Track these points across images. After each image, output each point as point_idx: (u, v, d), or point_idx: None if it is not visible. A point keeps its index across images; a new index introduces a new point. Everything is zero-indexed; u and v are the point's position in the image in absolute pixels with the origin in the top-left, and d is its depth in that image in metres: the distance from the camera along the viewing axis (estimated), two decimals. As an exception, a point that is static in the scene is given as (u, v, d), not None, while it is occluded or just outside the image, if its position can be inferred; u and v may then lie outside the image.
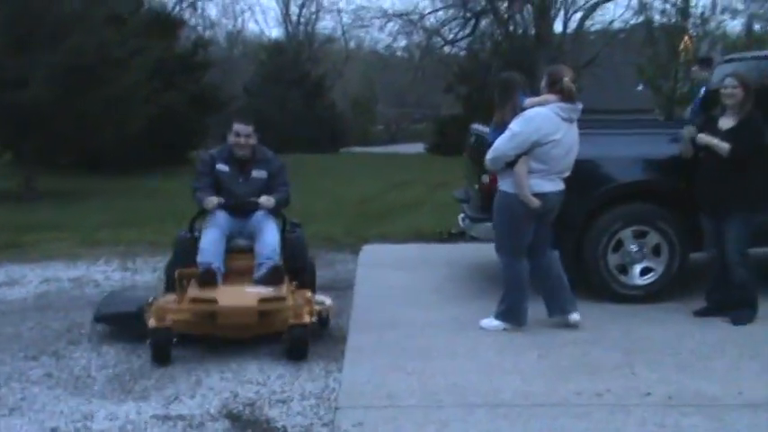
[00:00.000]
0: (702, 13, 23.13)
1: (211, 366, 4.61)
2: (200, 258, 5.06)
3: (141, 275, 7.00)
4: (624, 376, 4.30)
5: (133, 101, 13.22)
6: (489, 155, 5.08)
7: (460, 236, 6.91)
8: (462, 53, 25.60)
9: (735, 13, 26.09)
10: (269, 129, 30.10)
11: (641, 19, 23.30)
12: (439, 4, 22.22)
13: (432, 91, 34.76)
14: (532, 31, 22.61)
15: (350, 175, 16.59)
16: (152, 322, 4.65)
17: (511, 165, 4.98)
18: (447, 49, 24.07)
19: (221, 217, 5.24)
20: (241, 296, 4.78)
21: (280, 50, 32.44)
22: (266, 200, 5.32)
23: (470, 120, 24.75)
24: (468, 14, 21.92)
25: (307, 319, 4.73)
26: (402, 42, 24.48)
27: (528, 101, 5.11)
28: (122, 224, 9.51)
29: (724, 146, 5.02)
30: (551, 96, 4.99)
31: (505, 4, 21.78)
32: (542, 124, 4.91)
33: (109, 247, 8.25)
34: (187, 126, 19.10)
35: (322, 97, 32.85)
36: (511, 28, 22.39)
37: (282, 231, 5.44)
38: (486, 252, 7.42)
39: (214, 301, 4.68)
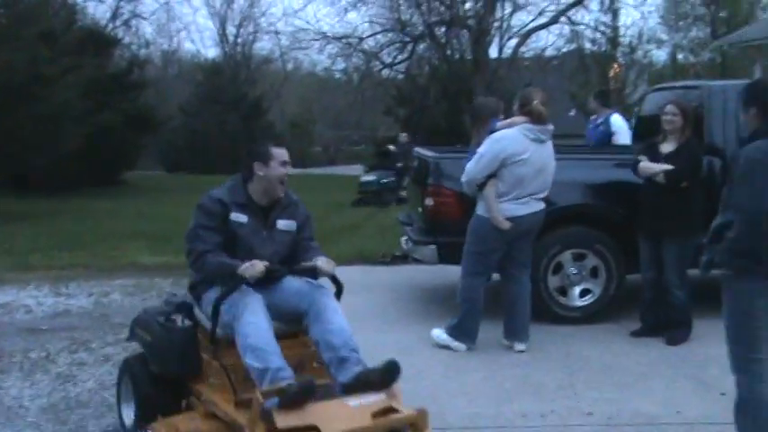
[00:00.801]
0: (630, 43, 23.99)
1: (151, 393, 4.49)
2: (256, 362, 3.25)
3: (76, 300, 6.79)
4: (567, 397, 4.37)
5: (65, 120, 12.88)
6: (463, 178, 5.21)
7: (403, 259, 6.94)
8: (400, 76, 25.85)
9: (660, 43, 27.20)
10: (206, 150, 29.92)
11: (573, 47, 23.98)
12: (377, 28, 22.42)
13: (370, 113, 34.99)
14: (469, 56, 23.01)
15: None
16: None
17: (481, 188, 5.09)
18: (386, 72, 24.24)
19: (254, 293, 3.46)
20: (349, 415, 3.09)
21: (217, 71, 32.16)
22: (326, 263, 3.72)
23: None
24: (407, 39, 22.17)
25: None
26: (341, 65, 24.54)
27: (499, 124, 5.23)
28: (54, 247, 9.21)
29: (665, 167, 5.18)
30: (520, 118, 5.11)
31: (443, 29, 22.11)
32: (508, 145, 5.01)
33: (41, 271, 7.99)
34: (122, 146, 18.73)
35: (260, 118, 32.68)
36: (448, 52, 22.71)
37: None
38: (429, 275, 7.51)
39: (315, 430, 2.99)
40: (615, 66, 24.20)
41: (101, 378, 4.76)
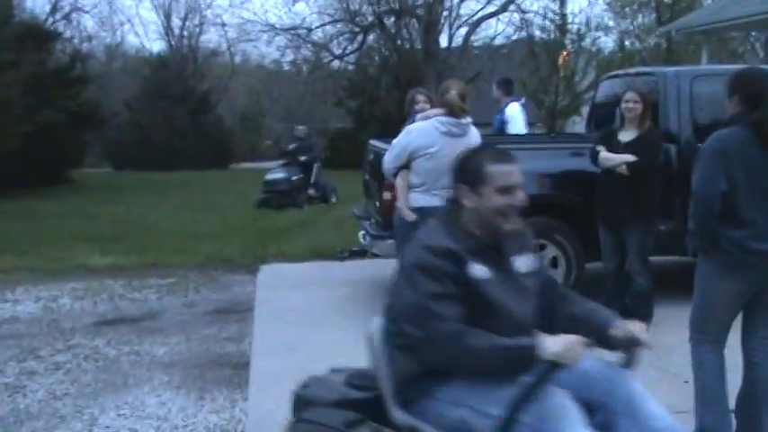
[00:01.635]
0: (578, 30, 24.22)
1: (105, 401, 4.33)
2: None
3: (23, 306, 6.53)
4: (532, 390, 4.32)
5: (6, 118, 12.42)
6: (382, 169, 5.23)
7: (361, 254, 6.85)
8: (350, 67, 25.69)
9: (606, 30, 27.54)
10: (153, 146, 29.31)
11: (523, 35, 24.12)
12: (326, 19, 22.20)
13: (320, 105, 34.73)
14: (419, 46, 22.95)
15: (241, 192, 16.20)
16: None
17: None
18: (336, 63, 24.06)
19: (564, 393, 2.32)
20: None
21: (163, 65, 31.52)
22: (641, 328, 2.61)
23: (360, 134, 24.58)
24: (356, 29, 22.00)
25: None
26: (290, 57, 24.26)
27: (419, 115, 5.19)
28: (-2, 250, 8.87)
29: (626, 158, 5.16)
30: (437, 110, 5.07)
31: (392, 19, 22.00)
32: (416, 138, 5.01)
33: (-17, 275, 7.68)
34: (65, 144, 18.18)
35: (208, 113, 32.13)
36: (398, 42, 22.62)
37: None
38: (383, 269, 7.41)
39: None
40: (564, 53, 24.42)
41: (51, 387, 4.57)
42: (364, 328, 5.45)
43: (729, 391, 3.52)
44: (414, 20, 21.59)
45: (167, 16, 39.13)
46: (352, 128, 27.19)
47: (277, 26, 22.46)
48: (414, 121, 5.25)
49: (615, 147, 5.27)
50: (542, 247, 5.81)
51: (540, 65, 23.78)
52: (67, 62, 19.59)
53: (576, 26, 24.13)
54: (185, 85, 31.59)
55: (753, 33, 24.09)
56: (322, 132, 41.26)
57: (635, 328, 2.54)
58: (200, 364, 4.98)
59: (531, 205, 5.72)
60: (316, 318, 5.99)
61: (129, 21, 55.34)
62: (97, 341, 5.47)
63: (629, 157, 5.16)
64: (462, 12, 23.49)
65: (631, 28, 29.22)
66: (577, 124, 25.78)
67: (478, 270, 2.44)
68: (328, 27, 22.19)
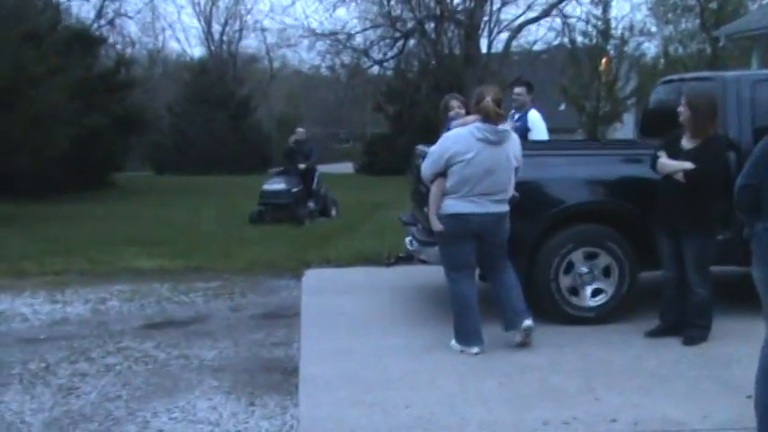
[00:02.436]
0: (622, 35, 23.93)
1: (158, 405, 4.33)
2: None
3: (73, 307, 6.59)
4: (588, 402, 4.23)
5: (54, 122, 12.63)
6: (422, 175, 5.22)
7: (408, 260, 6.80)
8: (389, 73, 25.70)
9: (649, 35, 27.18)
10: (194, 150, 29.64)
11: (564, 40, 23.88)
12: (367, 24, 22.23)
13: (357, 110, 34.78)
14: (457, 51, 22.87)
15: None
16: None
17: None
18: (375, 68, 24.09)
19: None
20: None
21: (204, 70, 31.88)
22: None
23: (398, 139, 24.63)
24: (397, 35, 21.99)
25: None
26: (330, 62, 24.35)
27: (455, 122, 5.14)
28: (47, 253, 8.99)
29: (685, 166, 5.04)
30: (472, 117, 5.02)
31: (433, 25, 21.96)
32: (453, 144, 4.97)
33: (34, 277, 7.78)
34: (110, 148, 18.46)
35: (248, 117, 32.43)
36: (439, 47, 22.56)
37: None
38: (431, 276, 7.36)
39: None
40: (604, 59, 24.13)
41: (104, 390, 4.58)
42: (413, 335, 5.42)
43: None
44: (454, 25, 21.50)
45: (208, 22, 39.67)
46: (389, 133, 27.22)
47: (318, 31, 22.53)
48: (449, 128, 5.18)
49: (677, 153, 5.13)
50: (595, 256, 5.70)
51: (581, 70, 23.57)
52: (113, 67, 19.88)
53: (618, 31, 23.84)
54: (225, 90, 31.95)
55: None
56: (359, 137, 41.50)
57: None
58: (249, 368, 4.96)
59: (583, 213, 5.70)
60: (363, 324, 5.95)
61: (170, 26, 56.11)
62: (146, 344, 5.49)
63: (687, 165, 5.02)
64: (503, 17, 23.40)
65: (674, 33, 28.81)
66: (618, 131, 25.55)
67: None
68: (369, 32, 22.19)
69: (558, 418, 4.00)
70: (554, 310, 5.70)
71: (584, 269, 5.69)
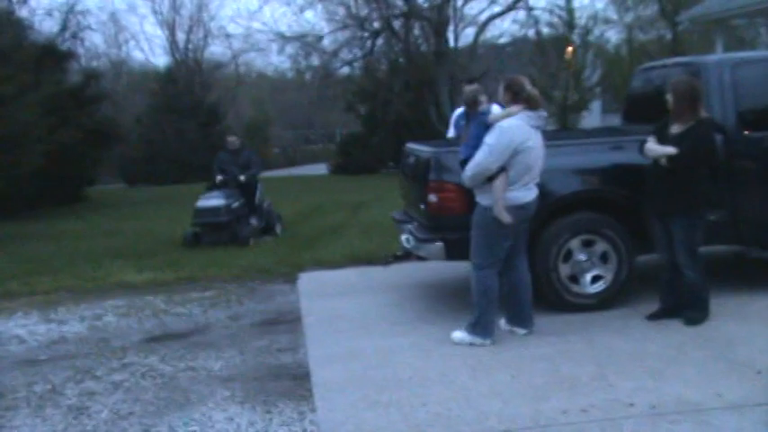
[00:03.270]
0: (586, 24, 24.16)
1: (172, 419, 4.29)
2: None
3: (69, 326, 6.49)
4: (602, 389, 4.28)
5: (27, 140, 12.43)
6: (469, 171, 5.08)
7: (404, 258, 6.81)
8: (358, 72, 25.66)
9: (610, 24, 27.42)
10: (165, 160, 29.33)
11: (529, 32, 24.03)
12: (336, 26, 22.18)
13: (325, 111, 34.64)
14: (428, 48, 22.89)
15: (260, 202, 16.20)
16: None
17: (490, 179, 5.01)
18: (345, 69, 24.06)
19: None
20: None
21: (171, 79, 31.56)
22: None
23: (371, 137, 24.59)
24: (366, 34, 21.98)
25: None
26: (301, 64, 24.26)
27: (493, 115, 5.11)
28: (32, 272, 8.84)
29: (668, 150, 5.12)
30: (516, 107, 5.03)
31: (400, 23, 21.98)
32: (516, 134, 4.98)
33: (23, 297, 7.65)
34: (81, 162, 18.22)
35: (217, 124, 32.16)
36: (407, 45, 22.59)
37: None
38: (425, 273, 7.40)
39: None
40: (569, 49, 24.34)
41: (115, 407, 4.53)
42: (416, 333, 5.43)
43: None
44: (423, 22, 21.55)
45: (172, 31, 39.18)
46: (362, 133, 27.19)
47: (287, 35, 22.43)
48: (484, 122, 5.12)
49: (665, 138, 5.22)
50: (592, 243, 5.76)
51: (548, 61, 23.75)
52: (82, 81, 19.62)
53: (583, 20, 24.07)
54: (193, 99, 31.64)
55: (758, 19, 23.96)
56: (330, 138, 41.39)
57: None
58: (258, 376, 4.94)
59: (578, 201, 5.76)
60: (365, 324, 5.95)
61: (133, 37, 55.44)
62: (151, 358, 5.44)
63: (670, 149, 5.11)
64: (467, 12, 23.47)
65: (634, 20, 29.09)
66: (585, 119, 25.79)
67: None
68: (338, 34, 22.15)
69: (576, 407, 4.04)
70: (556, 298, 5.76)
71: (583, 257, 5.76)
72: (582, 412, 3.98)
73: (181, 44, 39.17)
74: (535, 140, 5.06)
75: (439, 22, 20.73)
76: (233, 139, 11.24)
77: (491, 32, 24.73)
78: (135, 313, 6.78)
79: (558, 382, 4.42)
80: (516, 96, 5.06)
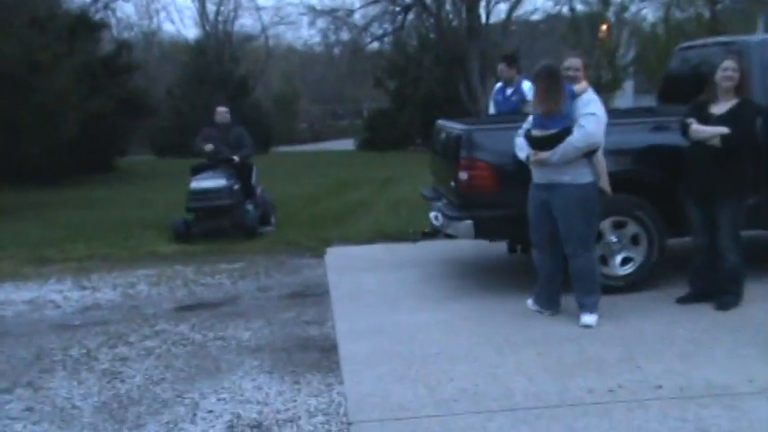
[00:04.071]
0: (621, 2, 23.77)
1: (203, 386, 4.38)
2: None
3: (102, 293, 6.62)
4: (630, 370, 4.28)
5: (62, 108, 12.58)
6: (581, 143, 4.93)
7: (432, 235, 6.82)
8: (387, 47, 25.55)
9: (647, 1, 26.93)
10: (194, 131, 29.45)
11: (564, 8, 23.74)
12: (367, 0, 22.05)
13: (354, 86, 34.56)
14: (456, 23, 22.72)
15: (289, 175, 16.29)
16: None
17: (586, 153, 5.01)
18: (375, 44, 23.96)
19: None
20: None
21: (201, 51, 31.64)
22: None
23: (400, 114, 24.49)
24: (397, 9, 21.84)
25: None
26: (331, 38, 24.20)
27: (578, 87, 5.07)
28: (66, 239, 9.00)
29: (721, 131, 5.04)
30: (584, 83, 5.12)
31: (433, -2, 21.82)
32: (602, 107, 5.09)
33: (58, 264, 7.79)
34: (114, 132, 18.41)
35: (246, 97, 32.24)
36: (439, 20, 22.42)
37: None
38: (452, 251, 7.42)
39: None
40: (603, 27, 24.00)
41: (147, 373, 4.63)
42: (443, 309, 5.46)
43: None
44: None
45: (202, 2, 39.19)
46: (390, 108, 27.13)
47: (318, 8, 22.36)
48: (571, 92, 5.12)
49: (706, 119, 5.13)
50: (623, 225, 5.73)
51: (581, 39, 23.44)
52: (114, 51, 19.76)
53: (619, -2, 23.66)
54: (223, 71, 31.70)
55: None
56: (357, 114, 41.30)
57: None
58: (286, 347, 5.01)
59: (611, 182, 5.71)
60: (393, 300, 5.99)
61: (164, 8, 55.46)
62: (182, 326, 5.53)
63: (723, 130, 5.02)
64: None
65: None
66: (618, 99, 25.47)
67: None
68: (369, 8, 22.04)
69: (603, 387, 4.05)
70: (584, 279, 5.73)
71: (614, 238, 5.73)
72: (609, 392, 3.99)
73: (211, 16, 39.21)
74: None
75: (472, -3, 20.53)
76: (223, 112, 9.57)
77: (524, 8, 24.53)
78: (166, 282, 6.88)
79: (585, 362, 4.43)
80: (579, 73, 5.14)
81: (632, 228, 5.73)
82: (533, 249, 5.40)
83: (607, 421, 3.66)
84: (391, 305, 5.85)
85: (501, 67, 7.73)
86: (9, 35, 11.52)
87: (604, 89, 24.50)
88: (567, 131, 4.93)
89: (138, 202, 12.62)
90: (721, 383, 4.02)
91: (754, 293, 5.36)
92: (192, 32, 47.41)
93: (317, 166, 18.53)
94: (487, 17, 24.56)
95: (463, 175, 5.75)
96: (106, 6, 24.19)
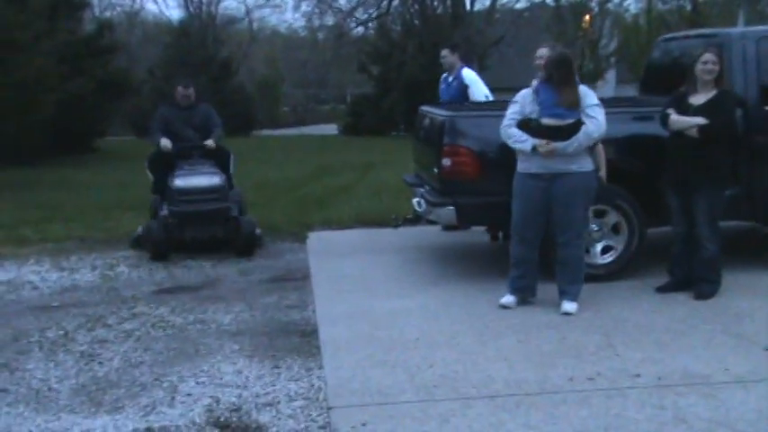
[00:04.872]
0: (605, -8, 23.79)
1: (182, 370, 4.35)
2: None
3: (80, 274, 6.56)
4: (609, 358, 4.31)
5: (41, 87, 12.40)
6: (598, 133, 5.02)
7: (415, 221, 6.82)
8: (371, 33, 25.45)
9: (631, -10, 26.96)
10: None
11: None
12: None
13: (337, 71, 34.40)
14: (440, 10, 22.66)
15: (270, 159, 16.22)
16: None
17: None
18: (359, 29, 23.85)
19: None
20: None
21: (184, 32, 31.34)
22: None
23: (383, 99, 24.43)
24: (382, -7, 21.75)
25: None
26: (316, 23, 24.06)
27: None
28: (44, 220, 8.90)
29: (699, 121, 5.08)
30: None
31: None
32: None
33: (35, 245, 7.71)
34: (93, 113, 18.20)
35: (229, 80, 32.01)
36: (423, 7, 22.35)
37: None
38: (433, 237, 7.43)
39: None
40: (586, 17, 24.05)
41: (126, 355, 4.60)
42: (424, 295, 5.46)
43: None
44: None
45: (186, -18, 38.73)
46: (374, 94, 27.04)
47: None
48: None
49: (686, 110, 5.17)
50: (603, 213, 5.76)
51: (565, 28, 23.47)
52: (96, 31, 19.50)
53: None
54: (206, 53, 31.44)
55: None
56: (340, 99, 41.14)
57: None
58: (267, 332, 4.99)
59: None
60: (373, 285, 5.99)
61: (147, -13, 54.70)
62: (161, 309, 5.49)
63: (701, 120, 5.07)
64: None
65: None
66: (600, 89, 25.57)
67: None
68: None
69: (583, 375, 4.07)
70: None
71: (594, 227, 5.75)
72: (588, 380, 4.01)
73: (194, -3, 38.81)
74: None
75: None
76: (187, 92, 7.65)
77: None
78: (145, 264, 6.83)
79: (565, 350, 4.46)
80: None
81: (613, 216, 5.76)
82: (515, 241, 5.28)
83: (586, 409, 3.69)
84: (372, 290, 5.85)
85: (444, 52, 7.88)
86: (-13, 12, 11.33)
87: (587, 78, 24.62)
88: (580, 122, 4.97)
89: (117, 184, 12.49)
90: (698, 372, 4.05)
91: (730, 284, 5.41)
92: (175, 13, 46.93)
93: (299, 150, 18.46)
94: (472, 4, 24.54)
95: (446, 162, 5.75)
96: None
